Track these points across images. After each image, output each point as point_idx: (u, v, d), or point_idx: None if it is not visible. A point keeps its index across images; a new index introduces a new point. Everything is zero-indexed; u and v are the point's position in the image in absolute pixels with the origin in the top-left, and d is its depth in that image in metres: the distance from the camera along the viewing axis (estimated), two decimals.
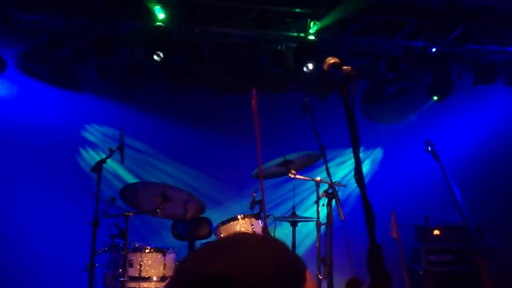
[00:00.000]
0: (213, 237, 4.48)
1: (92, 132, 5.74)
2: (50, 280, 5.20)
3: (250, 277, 1.96)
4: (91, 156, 5.56)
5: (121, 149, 3.97)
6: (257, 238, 2.21)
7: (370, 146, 6.11)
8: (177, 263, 2.24)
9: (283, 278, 2.04)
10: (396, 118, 6.20)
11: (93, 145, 5.69)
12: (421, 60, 5.93)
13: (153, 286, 4.00)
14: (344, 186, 4.33)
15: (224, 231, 4.08)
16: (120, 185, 4.36)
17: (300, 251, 4.62)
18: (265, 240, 2.19)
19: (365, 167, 6.00)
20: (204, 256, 2.13)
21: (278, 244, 2.16)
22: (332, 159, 5.89)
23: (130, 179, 5.40)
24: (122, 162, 4.00)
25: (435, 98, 5.95)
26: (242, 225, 4.07)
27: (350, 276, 4.67)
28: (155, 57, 5.15)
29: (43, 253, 5.23)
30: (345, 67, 1.86)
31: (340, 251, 4.07)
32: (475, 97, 6.01)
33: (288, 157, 4.37)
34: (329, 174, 4.07)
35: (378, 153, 6.14)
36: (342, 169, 5.92)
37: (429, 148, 4.67)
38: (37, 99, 5.55)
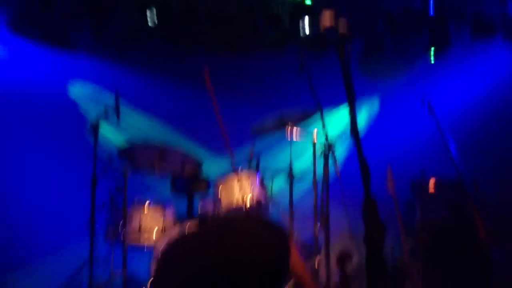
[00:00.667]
0: (211, 192, 4.53)
1: (87, 94, 5.72)
2: (53, 236, 5.29)
3: (237, 270, 2.01)
4: (87, 117, 5.55)
5: (117, 110, 3.98)
6: (241, 226, 2.23)
7: (367, 97, 6.10)
8: (163, 253, 2.28)
9: (271, 264, 2.09)
10: (393, 74, 6.17)
11: (89, 105, 5.67)
12: (418, 15, 5.87)
13: (154, 240, 4.07)
14: (341, 142, 4.36)
15: (222, 187, 4.13)
16: (117, 145, 4.38)
17: (297, 206, 4.68)
18: (250, 226, 2.22)
19: (361, 116, 6.02)
20: (190, 251, 2.17)
21: (263, 228, 2.19)
22: (329, 115, 5.91)
23: (127, 138, 5.41)
24: (118, 121, 4.01)
25: (433, 54, 5.92)
26: (239, 180, 4.11)
27: (346, 230, 4.77)
28: (148, 17, 5.08)
29: (44, 211, 5.30)
30: (341, 28, 1.85)
31: (336, 205, 4.14)
32: (473, 52, 5.98)
33: (285, 113, 4.38)
34: (325, 131, 4.09)
35: (374, 104, 6.15)
36: (339, 125, 5.94)
37: (426, 103, 4.68)
38: (29, 60, 5.50)
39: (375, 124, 5.98)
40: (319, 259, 4.14)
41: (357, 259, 4.79)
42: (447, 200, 5.01)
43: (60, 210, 5.28)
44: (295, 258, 2.28)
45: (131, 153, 4.22)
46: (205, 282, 1.91)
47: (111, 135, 5.61)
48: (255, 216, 2.39)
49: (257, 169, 4.26)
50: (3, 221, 5.23)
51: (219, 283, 1.93)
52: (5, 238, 5.20)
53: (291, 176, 4.58)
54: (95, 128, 3.93)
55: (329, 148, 4.07)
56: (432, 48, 5.92)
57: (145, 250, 4.19)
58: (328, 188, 4.12)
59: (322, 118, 4.08)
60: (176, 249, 2.24)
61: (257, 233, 2.15)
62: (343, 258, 2.02)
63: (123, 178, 4.08)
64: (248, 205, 4.04)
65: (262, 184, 4.20)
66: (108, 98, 5.23)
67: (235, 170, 4.17)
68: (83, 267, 4.39)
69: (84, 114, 5.63)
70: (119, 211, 4.06)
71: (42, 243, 5.27)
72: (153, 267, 3.87)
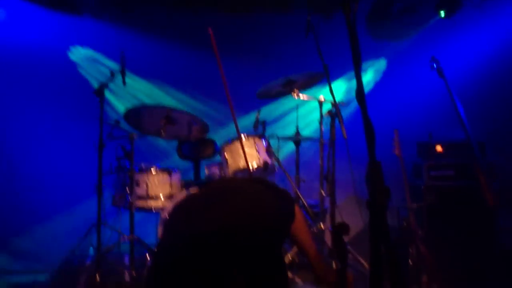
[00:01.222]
0: (217, 158, 4.54)
1: (93, 56, 5.68)
2: (61, 201, 5.35)
3: (238, 229, 2.01)
4: (93, 79, 5.54)
5: (122, 72, 3.94)
6: (243, 187, 2.23)
7: (374, 58, 6.02)
8: (169, 215, 2.31)
9: (272, 224, 2.10)
10: (402, 35, 6.07)
11: (94, 69, 5.65)
12: None
13: (161, 204, 4.10)
14: (347, 104, 4.33)
15: (229, 151, 4.13)
16: (123, 108, 4.37)
17: (303, 169, 4.69)
18: (252, 187, 2.21)
19: (368, 76, 5.96)
20: (193, 212, 2.18)
21: (266, 190, 2.20)
22: (336, 78, 5.85)
23: (133, 102, 5.40)
24: (124, 84, 3.99)
25: (442, 14, 5.80)
26: (245, 144, 4.11)
27: (352, 194, 4.78)
28: None
29: (52, 176, 5.34)
30: None
31: (342, 169, 4.14)
32: (483, 13, 5.85)
33: (292, 77, 4.34)
34: (332, 93, 4.05)
35: (381, 64, 6.07)
36: (345, 88, 5.89)
37: (435, 65, 4.62)
38: (33, 23, 5.45)
39: (383, 86, 5.92)
40: (324, 225, 4.17)
41: (362, 223, 4.82)
42: (454, 163, 4.99)
43: (69, 174, 5.32)
44: (300, 223, 2.28)
45: (137, 116, 4.21)
46: (208, 241, 1.93)
47: (117, 98, 5.61)
48: (260, 179, 2.39)
49: (263, 133, 4.25)
50: (13, 185, 5.28)
51: (221, 242, 1.94)
52: (15, 201, 5.27)
53: (297, 138, 4.58)
54: (101, 92, 3.91)
55: (335, 110, 4.03)
56: (442, 10, 5.80)
57: (153, 214, 4.24)
58: (335, 150, 4.11)
59: (328, 81, 4.04)
60: (180, 211, 2.27)
61: (259, 194, 2.16)
62: (339, 231, 2.01)
63: (129, 143, 4.08)
64: (254, 169, 4.05)
65: (268, 148, 4.20)
66: (113, 62, 5.22)
67: (241, 135, 4.16)
68: (91, 230, 4.45)
69: (88, 78, 5.62)
70: (127, 175, 4.08)
71: (51, 207, 5.33)
72: (160, 230, 3.92)
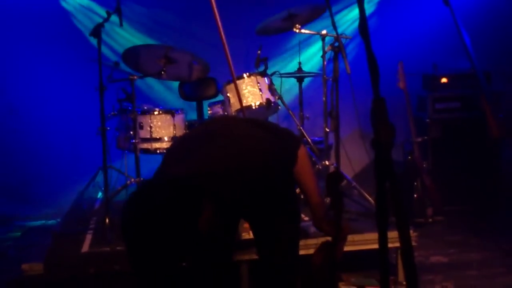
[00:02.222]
0: (220, 97, 4.49)
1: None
2: (66, 145, 5.37)
3: (229, 168, 1.98)
4: (89, 20, 5.41)
5: (118, 11, 3.83)
6: (238, 126, 2.18)
7: None
8: (167, 150, 2.30)
9: (265, 167, 2.06)
10: None
11: (89, 9, 5.51)
12: None
13: (165, 146, 4.11)
14: (350, 38, 4.23)
15: (231, 90, 4.09)
16: (122, 49, 4.29)
17: (307, 106, 4.64)
18: (245, 129, 2.17)
19: (372, 10, 5.81)
20: (189, 147, 2.15)
21: (259, 131, 2.15)
22: (338, 11, 5.70)
23: (132, 42, 5.30)
24: (121, 25, 3.89)
25: None
26: (247, 83, 4.06)
27: (357, 128, 4.77)
28: None
29: (55, 120, 5.33)
30: None
31: (347, 104, 4.10)
32: None
33: (292, 10, 4.23)
34: (335, 27, 3.91)
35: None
36: (348, 20, 5.74)
37: None
38: None
39: (387, 17, 5.76)
40: (329, 161, 4.18)
41: (367, 157, 4.83)
42: (459, 94, 4.93)
43: (72, 118, 5.31)
44: (302, 167, 2.25)
45: (135, 57, 4.14)
46: (199, 178, 1.93)
47: (115, 40, 5.51)
48: (259, 121, 2.34)
49: (265, 70, 4.19)
50: (18, 132, 5.29)
51: (212, 179, 1.93)
52: (21, 148, 5.29)
53: (300, 75, 4.51)
54: (97, 32, 3.81)
55: (338, 44, 3.94)
56: None
57: (158, 156, 4.25)
58: (338, 85, 4.06)
59: (331, 13, 3.92)
60: (169, 152, 2.27)
61: (252, 136, 2.13)
62: (333, 180, 1.99)
63: (130, 85, 4.03)
64: (257, 107, 4.01)
65: (270, 85, 4.15)
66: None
67: (243, 73, 4.11)
68: (97, 174, 4.49)
69: (85, 17, 5.49)
70: (129, 118, 4.06)
71: (57, 152, 5.36)
72: None
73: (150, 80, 5.18)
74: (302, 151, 2.24)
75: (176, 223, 1.73)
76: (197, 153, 2.07)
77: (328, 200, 2.08)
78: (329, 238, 2.28)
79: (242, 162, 2.03)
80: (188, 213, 1.77)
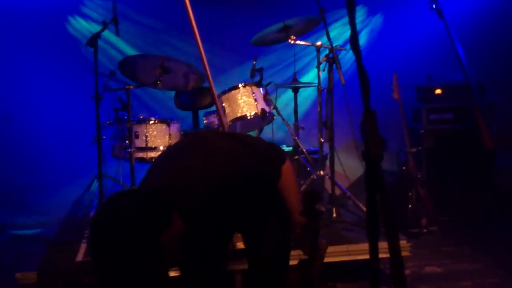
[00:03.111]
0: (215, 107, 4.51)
1: (86, 4, 5.57)
2: (62, 153, 5.37)
3: (202, 184, 1.97)
4: (87, 29, 5.44)
5: (115, 20, 3.86)
6: (212, 141, 2.15)
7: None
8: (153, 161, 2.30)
9: (243, 178, 2.04)
10: None
11: (86, 17, 5.54)
12: None
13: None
14: (345, 49, 4.27)
15: (226, 100, 4.11)
16: (119, 58, 4.31)
17: (302, 116, 4.68)
18: (219, 143, 2.14)
19: (365, 21, 5.86)
20: (165, 159, 2.15)
21: (240, 144, 2.12)
22: (333, 22, 5.75)
23: (129, 51, 5.33)
24: (117, 34, 3.91)
25: None
26: (243, 93, 4.08)
27: (351, 138, 4.79)
28: None
29: (51, 129, 5.34)
30: None
31: (341, 114, 4.13)
32: None
33: (288, 22, 4.26)
34: (329, 38, 3.99)
35: (378, 20, 5.96)
36: (343, 32, 5.79)
37: (434, 6, 4.54)
38: None
39: (382, 29, 5.82)
40: (324, 171, 4.20)
41: (361, 167, 4.84)
42: (453, 105, 4.97)
43: (68, 127, 5.33)
44: (286, 182, 2.23)
45: (131, 67, 4.16)
46: (168, 191, 1.93)
47: (111, 49, 5.53)
48: (239, 136, 2.29)
49: (260, 80, 4.21)
50: (13, 139, 5.29)
51: (180, 192, 1.93)
52: (17, 155, 5.29)
53: (295, 85, 4.54)
54: (93, 42, 3.83)
55: (333, 55, 3.98)
56: None
57: None
58: (333, 96, 4.09)
59: (325, 25, 3.96)
60: (158, 158, 2.29)
61: (229, 148, 2.10)
62: (310, 200, 1.99)
63: (126, 94, 4.04)
64: (252, 117, 4.03)
65: (266, 95, 4.18)
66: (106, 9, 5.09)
67: (238, 84, 4.13)
68: (93, 183, 4.50)
69: (83, 26, 5.52)
70: (125, 127, 4.07)
71: (53, 160, 5.37)
72: None
73: (147, 89, 5.20)
74: (286, 167, 2.21)
75: (144, 236, 1.72)
76: (170, 166, 2.07)
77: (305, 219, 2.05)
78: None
79: (213, 176, 1.99)
80: (157, 227, 1.76)
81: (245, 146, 2.13)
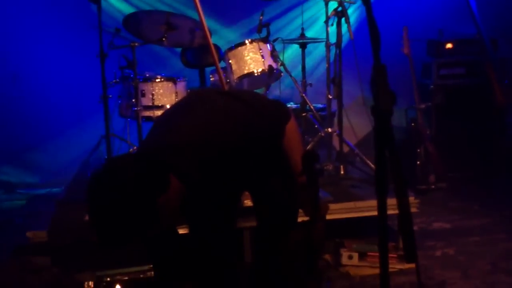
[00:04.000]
0: (222, 63, 4.46)
1: None
2: (69, 113, 5.35)
3: (197, 143, 1.93)
4: None
5: None
6: (213, 99, 2.10)
7: None
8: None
9: (241, 136, 2.00)
10: None
11: None
12: None
13: None
14: (354, 3, 4.16)
15: (233, 57, 4.05)
16: (122, 16, 4.24)
17: (310, 72, 4.60)
18: (222, 99, 2.09)
19: None
20: (167, 118, 2.11)
21: (239, 102, 2.07)
22: None
23: (132, 8, 5.23)
24: None
25: None
26: (250, 49, 4.02)
27: (360, 95, 4.74)
28: None
29: (57, 88, 5.30)
30: None
31: (350, 71, 4.06)
32: None
33: None
34: None
35: None
36: None
37: None
38: None
39: None
40: (332, 128, 4.16)
41: (370, 124, 4.81)
42: (464, 60, 4.88)
43: (74, 86, 5.28)
44: (289, 142, 2.19)
45: (136, 23, 4.09)
46: (164, 151, 1.91)
47: (115, 3, 5.44)
48: (243, 94, 2.23)
49: (267, 36, 4.14)
50: (21, 99, 5.27)
51: (175, 152, 1.91)
52: (25, 116, 5.28)
53: (303, 41, 4.46)
54: None
55: (342, 9, 3.89)
56: None
57: None
58: (341, 52, 4.02)
59: None
60: (158, 118, 2.26)
61: (227, 106, 2.06)
62: (308, 160, 1.94)
63: (131, 52, 3.99)
64: (259, 74, 3.98)
65: (273, 52, 4.11)
66: None
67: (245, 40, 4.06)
68: (100, 142, 4.49)
69: None
70: (131, 85, 4.04)
71: (60, 120, 5.34)
72: None
73: (154, 46, 5.13)
74: (290, 126, 2.16)
75: (139, 200, 1.72)
76: (167, 126, 2.04)
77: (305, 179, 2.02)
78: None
79: (211, 135, 1.95)
80: (152, 191, 1.76)
81: (246, 104, 2.08)
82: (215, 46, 4.65)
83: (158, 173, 1.80)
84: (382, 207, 1.35)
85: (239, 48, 4.02)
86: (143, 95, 4.07)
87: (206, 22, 4.05)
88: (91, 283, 2.95)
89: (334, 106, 4.18)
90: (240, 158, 2.04)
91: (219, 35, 5.34)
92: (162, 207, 1.77)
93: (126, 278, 3.05)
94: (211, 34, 4.22)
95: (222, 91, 2.77)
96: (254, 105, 2.09)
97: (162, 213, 1.78)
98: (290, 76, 4.24)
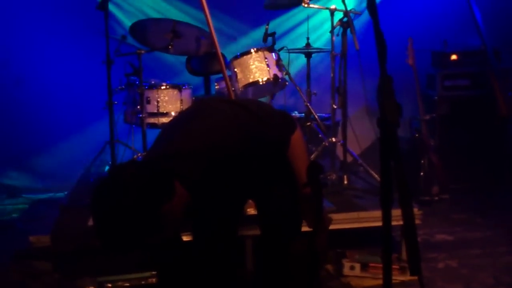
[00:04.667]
0: (227, 72, 4.47)
1: None
2: (73, 118, 5.37)
3: (201, 151, 1.94)
4: None
5: None
6: (212, 109, 2.11)
7: None
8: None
9: (244, 145, 2.01)
10: None
11: None
12: None
13: None
14: (360, 14, 4.18)
15: (238, 65, 4.06)
16: (129, 23, 4.26)
17: (315, 82, 4.61)
18: (228, 108, 2.09)
19: None
20: (171, 127, 2.12)
21: (244, 111, 2.07)
22: None
23: (139, 16, 5.26)
24: None
25: None
26: (255, 58, 4.03)
27: (364, 105, 4.74)
28: None
29: (62, 93, 5.31)
30: None
31: (354, 81, 4.07)
32: None
33: None
34: (344, 2, 3.91)
35: None
36: None
37: None
38: None
39: None
40: (336, 138, 4.17)
41: (374, 134, 4.81)
42: (469, 71, 4.88)
43: (79, 92, 5.29)
44: (294, 151, 2.19)
45: (143, 31, 4.12)
46: (169, 159, 1.92)
47: (123, 13, 5.47)
48: (249, 103, 2.22)
49: (273, 46, 4.15)
50: (25, 105, 5.29)
51: (180, 160, 1.91)
52: (29, 121, 5.30)
53: (308, 51, 4.47)
54: (104, 5, 3.79)
55: (347, 20, 3.90)
56: None
57: None
58: (346, 62, 4.03)
59: None
60: (165, 126, 2.27)
61: (232, 115, 2.05)
62: (313, 170, 1.95)
63: (137, 59, 4.01)
64: (264, 83, 3.99)
65: (278, 61, 4.12)
66: None
67: (250, 49, 4.08)
68: (104, 148, 4.50)
69: None
70: (137, 92, 4.06)
71: (65, 125, 5.36)
72: None
73: (158, 54, 5.16)
74: (296, 137, 2.16)
75: (143, 207, 1.72)
76: (172, 134, 2.06)
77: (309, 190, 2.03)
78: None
79: (215, 142, 1.95)
80: (157, 198, 1.76)
81: (252, 113, 2.08)
82: (221, 54, 4.68)
83: (163, 180, 1.80)
84: (386, 217, 1.35)
85: (245, 57, 4.03)
86: (148, 102, 4.09)
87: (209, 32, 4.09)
88: None
89: (339, 115, 4.18)
90: (246, 166, 2.04)
91: (225, 44, 5.36)
92: (167, 214, 1.77)
93: (128, 284, 3.05)
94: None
95: (228, 100, 2.79)
96: (260, 114, 2.10)
97: (166, 220, 1.79)
98: (295, 85, 4.25)
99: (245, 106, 2.12)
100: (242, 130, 2.02)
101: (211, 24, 3.39)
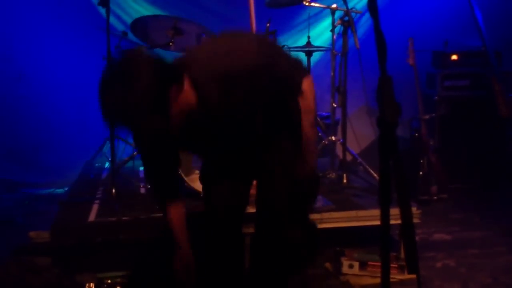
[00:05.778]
0: None
1: None
2: (74, 114, 5.38)
3: (214, 64, 2.01)
4: None
5: None
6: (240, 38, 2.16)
7: None
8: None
9: (259, 76, 2.04)
10: None
11: None
12: None
13: None
14: (361, 12, 4.18)
15: None
16: (130, 19, 4.27)
17: (315, 81, 4.61)
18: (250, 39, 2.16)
19: None
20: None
21: (267, 47, 2.14)
22: None
23: (140, 12, 5.26)
24: None
25: None
26: None
27: (364, 104, 4.75)
28: None
29: (64, 88, 5.33)
30: None
31: (354, 80, 4.08)
32: None
33: None
34: (345, 1, 3.92)
35: None
36: None
37: None
38: None
39: None
40: (336, 137, 4.18)
41: (373, 133, 4.83)
42: (469, 72, 4.89)
43: (80, 88, 5.31)
44: (306, 98, 2.23)
45: (144, 27, 4.12)
46: (183, 61, 2.06)
47: (123, 9, 5.47)
48: (271, 41, 2.38)
49: None
50: (27, 99, 5.30)
51: (194, 64, 2.00)
52: (30, 115, 5.31)
53: (309, 49, 4.47)
54: (105, 2, 3.78)
55: (348, 19, 3.91)
56: None
57: None
58: (347, 61, 4.04)
59: None
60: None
61: (254, 46, 2.09)
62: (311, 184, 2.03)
63: None
64: None
65: None
66: None
67: None
68: (104, 144, 4.51)
69: None
70: None
71: (65, 120, 5.38)
72: None
73: (159, 50, 5.16)
74: (307, 84, 2.21)
75: (153, 87, 1.79)
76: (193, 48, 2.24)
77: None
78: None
79: (232, 60, 2.01)
80: (168, 79, 1.84)
81: (274, 46, 2.27)
82: None
83: (175, 68, 1.91)
84: (385, 216, 1.36)
85: None
86: None
87: (210, 30, 4.10)
88: (92, 285, 2.96)
89: (338, 114, 4.19)
90: (256, 90, 2.05)
91: None
92: (174, 116, 1.87)
93: (127, 281, 3.06)
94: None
95: (256, 35, 2.82)
96: (281, 50, 2.24)
97: (171, 114, 1.85)
98: None
99: (269, 40, 2.26)
100: (261, 57, 2.05)
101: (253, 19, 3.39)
